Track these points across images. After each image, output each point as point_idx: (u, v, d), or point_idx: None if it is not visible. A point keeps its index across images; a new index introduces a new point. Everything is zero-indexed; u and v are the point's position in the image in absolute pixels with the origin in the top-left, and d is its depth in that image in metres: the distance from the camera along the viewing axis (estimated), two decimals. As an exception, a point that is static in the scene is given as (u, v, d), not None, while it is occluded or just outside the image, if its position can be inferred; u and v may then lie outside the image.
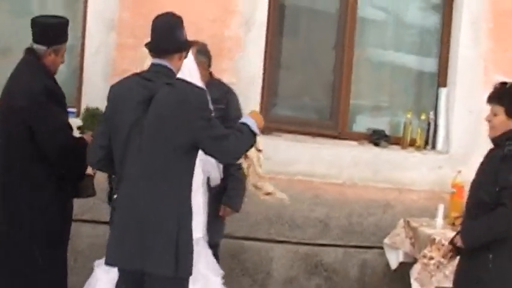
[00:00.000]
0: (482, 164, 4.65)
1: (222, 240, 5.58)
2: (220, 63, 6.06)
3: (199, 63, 4.90)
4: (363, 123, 6.85)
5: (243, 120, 4.31)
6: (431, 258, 5.53)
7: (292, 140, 6.42)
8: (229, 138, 4.14)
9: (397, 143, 6.70)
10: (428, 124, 6.74)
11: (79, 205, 5.25)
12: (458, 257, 4.76)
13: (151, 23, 4.25)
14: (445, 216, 6.04)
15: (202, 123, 4.07)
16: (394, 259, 6.19)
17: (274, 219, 6.27)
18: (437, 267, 5.51)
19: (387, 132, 6.74)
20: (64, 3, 6.36)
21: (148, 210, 4.07)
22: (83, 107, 5.41)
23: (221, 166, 5.00)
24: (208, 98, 4.21)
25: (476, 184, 4.61)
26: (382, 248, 6.27)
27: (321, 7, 6.88)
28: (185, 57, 4.35)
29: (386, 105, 7.03)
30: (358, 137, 6.67)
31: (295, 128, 6.57)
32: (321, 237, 6.37)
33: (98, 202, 5.29)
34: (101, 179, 5.03)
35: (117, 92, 4.22)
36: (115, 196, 4.31)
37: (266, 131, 6.23)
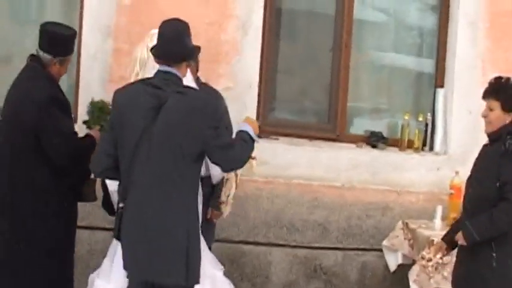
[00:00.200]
0: (477, 160, 4.66)
1: (220, 245, 5.58)
2: (217, 68, 6.08)
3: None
4: (360, 126, 6.85)
5: (242, 128, 4.33)
6: (429, 259, 5.52)
7: (290, 144, 6.42)
8: (235, 147, 4.18)
9: (395, 145, 6.69)
10: (426, 125, 6.73)
11: (76, 211, 5.24)
12: (450, 256, 4.77)
13: (157, 29, 4.26)
14: (444, 218, 6.03)
15: (210, 132, 4.09)
16: (393, 261, 6.18)
17: (272, 223, 6.26)
18: (436, 268, 5.51)
19: (385, 134, 6.74)
20: (61, 9, 6.36)
21: (158, 218, 4.08)
22: (80, 113, 5.41)
23: None
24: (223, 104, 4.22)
25: (474, 181, 4.61)
26: (381, 250, 6.26)
27: (318, 9, 6.87)
28: (190, 64, 4.35)
29: (384, 107, 7.03)
30: (356, 140, 6.66)
31: (293, 132, 6.57)
32: (320, 241, 6.36)
33: (95, 208, 5.27)
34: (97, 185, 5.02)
35: (124, 99, 4.20)
36: (121, 205, 4.28)
37: (264, 134, 6.25)
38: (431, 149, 6.74)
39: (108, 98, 5.19)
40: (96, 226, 5.73)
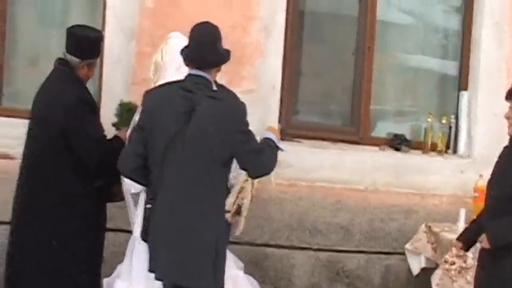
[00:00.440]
0: (498, 162, 4.62)
1: (243, 248, 5.59)
2: (240, 70, 6.08)
3: None
4: (384, 128, 6.83)
5: (266, 135, 4.41)
6: (452, 263, 5.48)
7: (314, 146, 6.41)
8: (265, 152, 4.26)
9: (418, 148, 6.65)
10: (450, 128, 6.69)
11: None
12: (473, 260, 4.75)
13: (190, 33, 4.30)
14: (468, 221, 5.95)
15: (240, 137, 4.15)
16: (416, 265, 6.16)
17: (295, 226, 6.26)
18: (459, 272, 5.47)
19: (408, 137, 6.71)
20: (85, 11, 6.39)
21: (188, 222, 4.13)
22: (102, 115, 5.43)
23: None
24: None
25: (495, 182, 4.55)
26: (404, 253, 6.24)
27: (341, 11, 6.86)
28: (220, 68, 4.39)
29: (407, 110, 7.00)
30: (380, 142, 6.64)
31: (316, 134, 6.55)
32: (343, 244, 6.35)
33: (119, 210, 5.30)
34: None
35: (155, 101, 4.24)
36: (148, 206, 4.31)
37: (287, 137, 6.25)
38: (455, 151, 6.70)
39: (131, 100, 5.26)
40: (120, 228, 5.73)
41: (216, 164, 4.14)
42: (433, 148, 6.63)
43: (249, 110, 4.33)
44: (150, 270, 4.29)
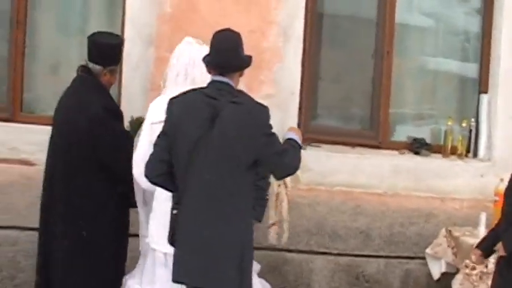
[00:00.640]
0: None
1: (262, 253, 5.58)
2: (259, 75, 6.08)
3: None
4: (403, 132, 6.80)
5: (288, 136, 4.43)
6: (473, 268, 5.46)
7: (333, 151, 6.40)
8: (289, 153, 4.26)
9: (438, 151, 6.63)
10: (470, 131, 6.66)
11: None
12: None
13: (211, 40, 4.31)
14: (488, 225, 5.92)
15: (264, 140, 4.17)
16: (437, 269, 6.13)
17: (314, 231, 6.25)
18: (480, 277, 5.44)
19: (428, 141, 6.68)
20: (104, 18, 6.43)
21: (212, 226, 4.15)
22: (122, 122, 5.46)
23: None
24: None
25: None
26: (425, 258, 6.22)
27: (360, 14, 6.84)
28: (243, 73, 4.42)
29: (427, 113, 6.97)
30: (399, 147, 6.63)
31: (335, 139, 6.54)
32: (362, 248, 6.34)
33: (136, 216, 5.31)
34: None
35: (180, 108, 4.27)
36: (174, 211, 4.34)
37: (306, 141, 6.24)
38: (475, 155, 6.67)
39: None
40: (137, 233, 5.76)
41: (240, 169, 4.17)
42: (453, 152, 6.61)
43: (267, 114, 4.34)
44: (174, 274, 4.30)
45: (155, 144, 4.36)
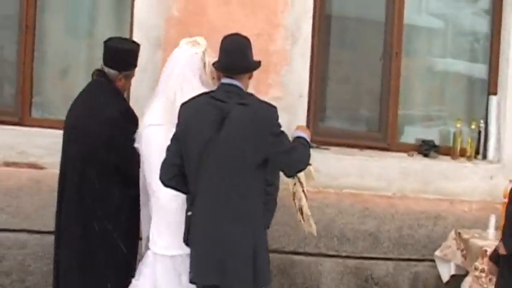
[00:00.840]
0: None
1: (271, 255, 5.54)
2: (266, 78, 6.09)
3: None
4: (412, 134, 6.79)
5: (298, 134, 4.51)
6: (483, 270, 5.45)
7: (341, 153, 6.40)
8: (297, 150, 4.35)
9: (447, 153, 6.62)
10: (479, 133, 6.64)
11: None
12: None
13: (220, 44, 4.39)
14: (498, 227, 5.91)
15: (272, 139, 4.24)
16: (446, 272, 6.11)
17: (323, 233, 6.22)
18: (490, 280, 5.41)
19: (437, 142, 6.66)
20: (112, 21, 6.45)
21: (225, 225, 4.23)
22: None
23: None
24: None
25: None
26: (433, 260, 6.20)
27: (368, 16, 6.83)
28: (252, 76, 4.50)
29: (436, 115, 6.95)
30: (408, 149, 6.61)
31: (344, 141, 6.54)
32: (371, 251, 6.33)
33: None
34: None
35: (189, 112, 4.35)
36: (189, 213, 4.41)
37: (314, 144, 6.24)
38: (484, 157, 6.64)
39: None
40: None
41: (249, 169, 4.24)
42: (462, 153, 6.60)
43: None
44: (191, 275, 4.39)
45: (167, 149, 4.43)
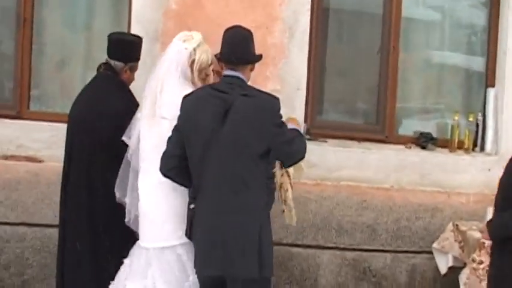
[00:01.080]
0: (510, 161, 4.65)
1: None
2: (264, 71, 6.09)
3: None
4: (409, 126, 6.79)
5: (291, 126, 4.55)
6: (480, 262, 5.46)
7: (339, 146, 6.40)
8: (296, 141, 4.41)
9: (444, 146, 6.62)
10: (477, 125, 6.64)
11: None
12: None
13: (223, 37, 4.45)
14: (495, 220, 5.96)
15: (275, 130, 4.31)
16: (444, 264, 6.12)
17: (321, 225, 6.25)
18: (487, 271, 5.44)
19: (434, 135, 6.67)
20: (110, 14, 6.45)
21: (233, 218, 4.27)
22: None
23: None
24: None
25: (505, 179, 4.61)
26: (431, 252, 6.22)
27: (365, 9, 6.82)
28: (254, 67, 4.56)
29: (433, 107, 6.96)
30: (405, 141, 6.62)
31: (341, 133, 6.54)
32: (369, 243, 6.34)
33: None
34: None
35: (191, 104, 4.39)
36: (192, 206, 4.45)
37: (312, 136, 6.26)
38: (482, 149, 6.65)
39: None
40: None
41: (253, 159, 4.29)
42: (460, 146, 6.60)
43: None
44: (197, 267, 4.44)
45: (168, 140, 4.46)
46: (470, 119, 6.64)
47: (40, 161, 6.02)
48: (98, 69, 5.23)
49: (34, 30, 6.29)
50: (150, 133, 4.64)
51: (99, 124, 4.95)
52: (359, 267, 6.34)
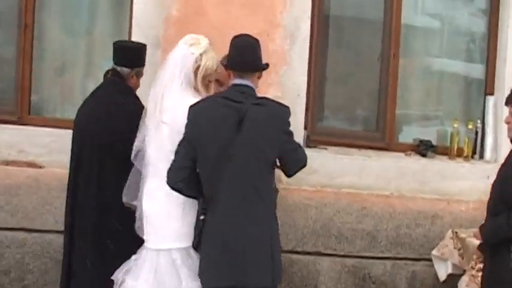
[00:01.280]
0: (502, 165, 4.75)
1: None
2: (265, 78, 6.03)
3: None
4: (409, 134, 6.81)
5: None
6: (479, 269, 5.46)
7: (339, 153, 6.41)
8: (300, 149, 4.47)
9: (444, 153, 6.64)
10: (476, 133, 6.66)
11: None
12: None
13: (230, 45, 4.44)
14: (494, 227, 5.97)
15: (285, 138, 4.35)
16: (443, 271, 6.13)
17: (321, 232, 6.26)
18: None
19: (434, 142, 6.68)
20: (110, 20, 6.46)
21: (246, 228, 4.26)
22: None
23: None
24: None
25: (497, 184, 4.67)
26: (431, 259, 6.22)
27: (366, 16, 6.84)
28: (261, 75, 4.56)
29: (433, 115, 6.97)
30: (405, 148, 6.63)
31: (342, 141, 6.56)
32: (368, 250, 6.34)
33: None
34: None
35: (201, 114, 4.34)
36: (202, 217, 4.42)
37: (312, 143, 6.26)
38: (481, 157, 6.67)
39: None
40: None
41: (267, 168, 4.33)
42: (459, 153, 6.61)
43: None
44: (208, 279, 4.39)
45: (176, 152, 4.41)
46: (470, 126, 6.65)
47: (41, 167, 6.02)
48: (104, 76, 5.26)
49: (35, 35, 6.28)
50: (155, 138, 4.63)
51: (112, 125, 4.99)
52: (359, 274, 6.34)
